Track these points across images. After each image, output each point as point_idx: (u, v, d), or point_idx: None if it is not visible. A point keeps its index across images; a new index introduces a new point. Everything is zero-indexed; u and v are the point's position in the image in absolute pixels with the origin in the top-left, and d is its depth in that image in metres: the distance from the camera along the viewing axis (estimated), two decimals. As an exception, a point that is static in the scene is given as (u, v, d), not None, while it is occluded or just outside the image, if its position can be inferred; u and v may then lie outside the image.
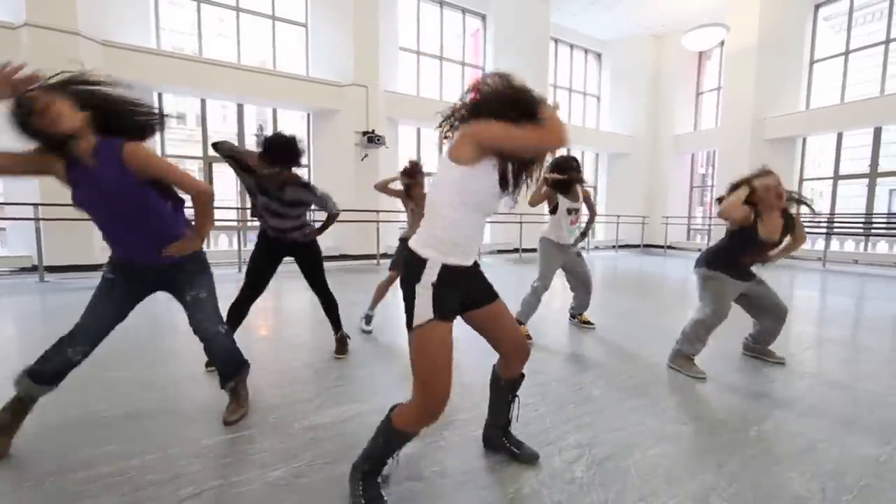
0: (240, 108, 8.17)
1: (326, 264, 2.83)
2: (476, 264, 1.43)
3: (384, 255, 8.09)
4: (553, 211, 3.32)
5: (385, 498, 1.36)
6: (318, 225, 2.77)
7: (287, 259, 2.69)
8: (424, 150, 10.06)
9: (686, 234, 12.63)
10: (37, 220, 5.31)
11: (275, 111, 8.41)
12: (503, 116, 1.21)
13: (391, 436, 1.33)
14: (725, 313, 2.58)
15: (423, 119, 9.47)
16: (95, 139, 1.53)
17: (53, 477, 1.49)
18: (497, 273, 7.02)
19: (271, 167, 2.31)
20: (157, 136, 7.36)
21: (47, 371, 1.62)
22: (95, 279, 1.77)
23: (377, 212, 8.03)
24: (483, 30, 10.66)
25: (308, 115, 8.57)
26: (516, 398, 1.66)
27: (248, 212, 8.34)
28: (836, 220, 9.86)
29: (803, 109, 9.99)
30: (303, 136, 8.80)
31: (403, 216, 9.70)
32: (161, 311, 3.66)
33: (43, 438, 1.73)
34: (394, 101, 8.82)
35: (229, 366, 1.93)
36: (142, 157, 1.56)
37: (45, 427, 1.81)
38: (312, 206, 2.70)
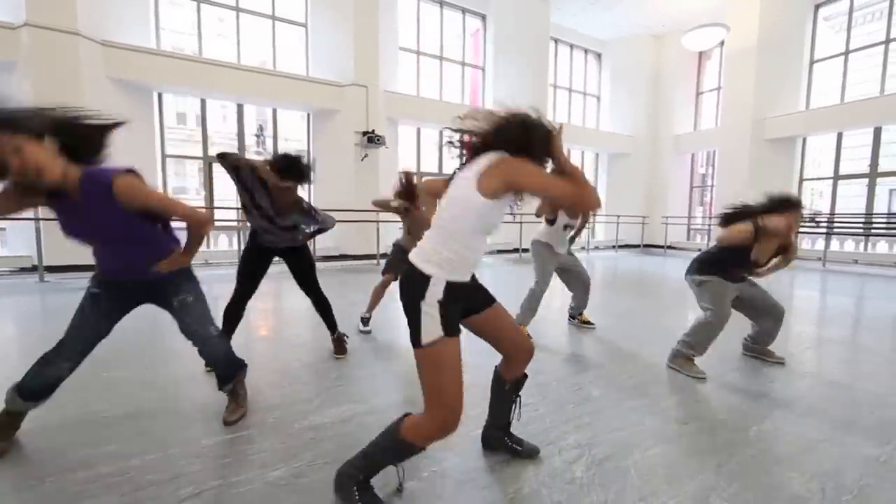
0: (240, 108, 8.17)
1: (327, 264, 2.84)
2: (473, 276, 1.44)
3: (384, 255, 8.08)
4: (551, 222, 3.32)
5: (382, 500, 1.36)
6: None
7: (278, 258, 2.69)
8: (424, 150, 10.06)
9: (686, 234, 12.62)
10: (37, 220, 5.31)
11: (275, 111, 8.41)
12: (523, 151, 1.25)
13: (399, 447, 1.30)
14: (727, 314, 2.59)
15: (423, 119, 9.47)
16: (78, 171, 1.45)
17: (53, 477, 1.49)
18: (497, 273, 7.02)
19: (285, 181, 2.32)
20: (158, 137, 7.32)
21: (35, 388, 1.62)
22: (95, 279, 1.77)
23: (377, 212, 8.03)
24: (483, 30, 10.66)
25: (308, 114, 8.57)
26: (518, 398, 1.66)
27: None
28: (835, 220, 9.86)
29: (803, 109, 9.99)
30: (302, 136, 8.82)
31: (403, 216, 9.47)
32: (161, 311, 3.64)
33: (43, 438, 1.73)
34: (394, 101, 8.82)
35: (226, 368, 1.92)
36: (134, 192, 1.48)
37: (45, 427, 1.81)
38: None
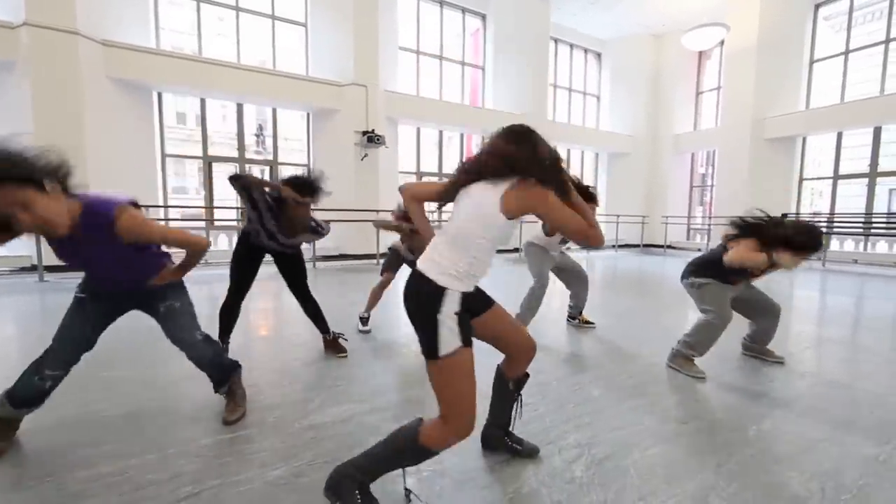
0: (239, 107, 8.17)
1: (327, 264, 2.84)
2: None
3: (384, 255, 8.09)
4: (551, 233, 3.33)
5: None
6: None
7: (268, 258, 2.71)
8: (424, 149, 10.06)
9: (686, 234, 12.62)
10: (36, 219, 5.30)
11: (274, 111, 8.41)
12: (547, 185, 1.29)
13: (418, 452, 1.29)
14: (730, 315, 2.58)
15: (423, 119, 9.47)
16: (78, 205, 1.42)
17: (53, 476, 1.49)
18: (497, 273, 7.02)
19: (303, 197, 2.39)
20: (158, 137, 7.31)
21: (24, 396, 1.62)
22: (95, 279, 1.76)
23: (377, 211, 8.03)
24: (483, 29, 10.66)
25: (308, 114, 8.57)
26: (520, 397, 1.67)
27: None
28: (835, 219, 9.86)
29: (803, 109, 9.99)
30: (302, 135, 8.82)
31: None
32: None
33: (42, 438, 1.73)
34: (393, 100, 8.82)
35: (218, 371, 1.92)
36: (136, 229, 1.48)
37: (45, 426, 1.81)
38: None
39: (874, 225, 9.43)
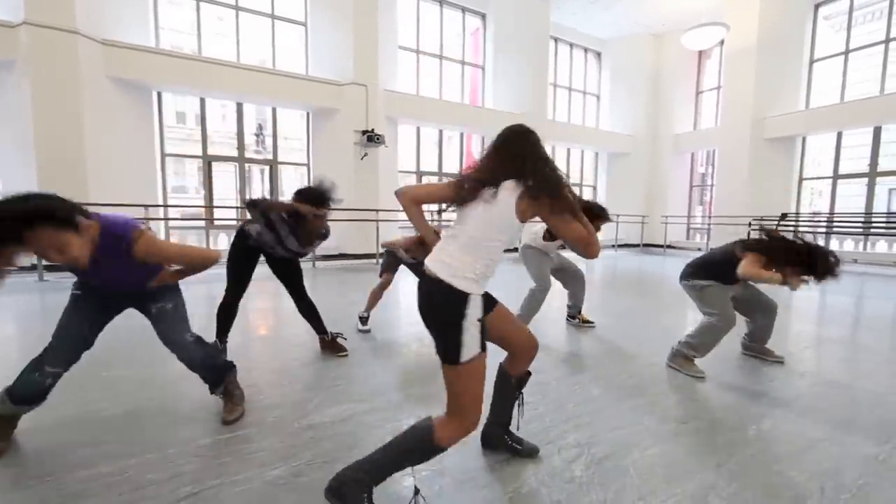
0: (239, 107, 8.16)
1: (326, 263, 2.84)
2: None
3: (383, 255, 8.09)
4: (552, 238, 3.35)
5: None
6: None
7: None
8: (424, 149, 10.05)
9: (686, 234, 12.62)
10: (36, 219, 5.30)
11: (274, 110, 8.41)
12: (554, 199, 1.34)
13: (430, 450, 1.31)
14: (734, 317, 2.58)
15: (423, 118, 9.46)
16: (96, 226, 1.46)
17: (52, 476, 1.49)
18: (497, 272, 7.02)
19: (319, 209, 2.46)
20: (157, 136, 7.30)
21: (24, 394, 1.62)
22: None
23: (377, 211, 8.03)
24: (483, 29, 10.65)
25: (308, 114, 8.56)
26: (521, 395, 1.67)
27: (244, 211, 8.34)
28: (835, 219, 9.86)
29: (803, 109, 9.99)
30: (302, 135, 8.81)
31: (402, 216, 9.59)
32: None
33: (42, 437, 1.73)
34: (393, 100, 8.81)
35: (210, 372, 1.92)
36: (154, 251, 1.55)
37: (44, 426, 1.81)
38: None
39: (874, 224, 9.42)
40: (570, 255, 3.66)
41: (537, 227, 3.45)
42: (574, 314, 3.67)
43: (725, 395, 2.29)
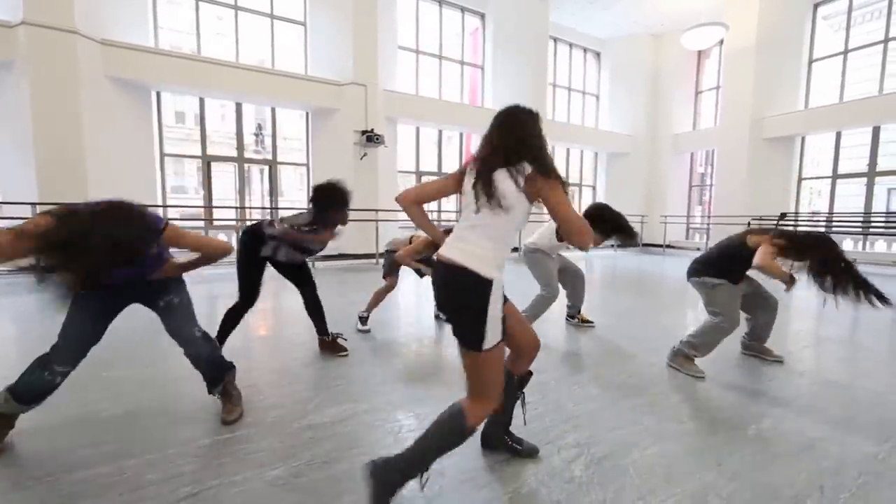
0: (238, 107, 8.16)
1: (326, 263, 2.84)
2: None
3: (383, 255, 8.08)
4: (561, 238, 3.35)
5: None
6: None
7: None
8: (423, 149, 10.05)
9: (685, 234, 12.63)
10: (35, 219, 5.29)
11: (273, 110, 8.40)
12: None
13: (461, 434, 1.36)
14: (738, 319, 2.58)
15: (422, 118, 9.46)
16: None
17: (52, 476, 1.48)
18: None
19: (343, 212, 2.59)
20: (156, 136, 7.25)
21: (29, 392, 1.62)
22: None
23: (376, 211, 8.03)
24: (482, 28, 10.64)
25: (307, 113, 8.56)
26: (522, 395, 1.67)
27: (246, 211, 8.34)
28: (834, 219, 9.87)
29: (802, 108, 9.99)
30: (301, 135, 8.81)
31: (402, 216, 9.57)
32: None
33: (41, 438, 1.73)
34: (393, 100, 8.81)
35: (214, 369, 1.92)
36: (177, 239, 1.64)
37: (44, 426, 1.80)
38: None
39: (873, 224, 9.43)
40: (569, 255, 3.66)
41: (543, 227, 3.45)
42: (573, 314, 3.67)
43: (725, 395, 2.29)
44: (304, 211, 2.63)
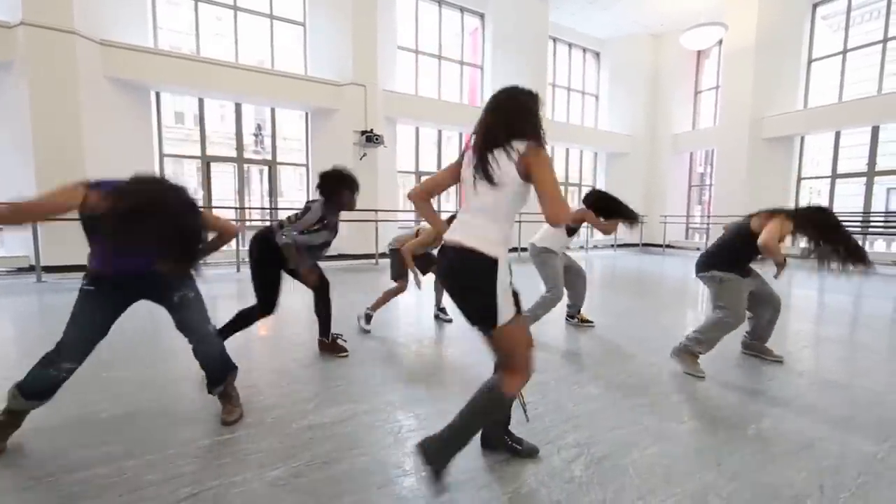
0: (238, 107, 8.16)
1: (326, 264, 2.84)
2: None
3: (382, 255, 8.08)
4: (571, 231, 3.38)
5: None
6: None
7: None
8: (423, 149, 10.05)
9: (684, 233, 12.64)
10: (34, 219, 5.28)
11: (273, 110, 8.40)
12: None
13: (501, 405, 1.46)
14: (745, 315, 2.59)
15: (422, 118, 9.46)
16: None
17: (51, 477, 1.48)
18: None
19: (351, 195, 2.71)
20: (156, 137, 7.23)
21: (36, 388, 1.62)
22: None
23: (376, 211, 8.03)
24: (482, 28, 10.64)
25: (306, 114, 8.56)
26: (521, 395, 1.67)
27: (246, 212, 8.29)
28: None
29: (801, 108, 10.00)
30: (301, 135, 8.80)
31: (402, 216, 9.57)
32: (159, 311, 3.63)
33: (41, 438, 1.73)
34: (392, 100, 8.81)
35: (220, 367, 1.92)
36: (204, 221, 1.69)
37: (44, 427, 1.80)
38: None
39: (872, 224, 9.45)
40: (571, 255, 3.67)
41: (555, 232, 3.43)
42: (573, 314, 3.68)
43: (725, 395, 2.30)
44: (310, 208, 2.58)
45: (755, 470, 1.60)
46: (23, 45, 5.66)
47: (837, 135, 9.71)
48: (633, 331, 3.58)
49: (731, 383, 2.45)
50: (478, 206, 1.39)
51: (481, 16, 10.53)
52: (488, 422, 1.46)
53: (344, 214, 2.86)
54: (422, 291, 3.48)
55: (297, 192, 10.49)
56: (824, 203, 10.50)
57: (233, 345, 2.70)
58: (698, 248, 11.37)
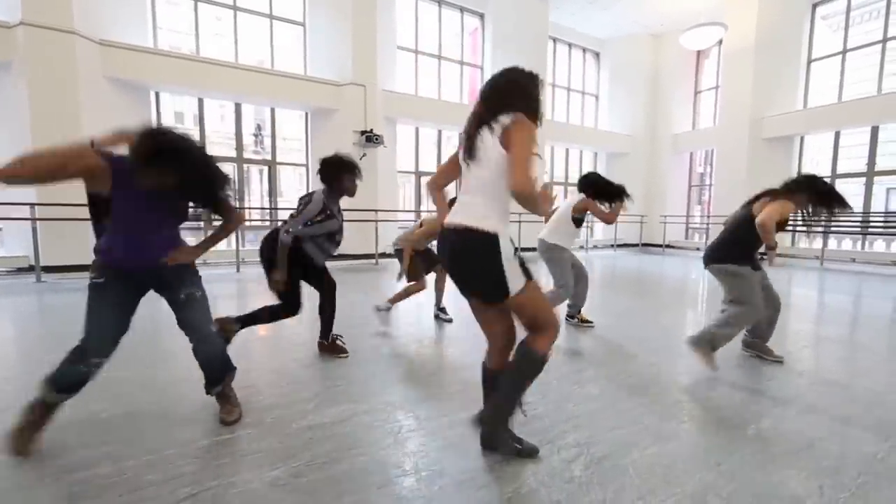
0: (237, 107, 8.15)
1: (325, 264, 2.83)
2: None
3: (382, 255, 8.08)
4: (578, 223, 3.40)
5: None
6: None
7: None
8: (423, 149, 10.05)
9: (684, 233, 12.64)
10: (33, 220, 5.29)
11: (273, 110, 8.40)
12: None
13: (538, 366, 1.50)
14: (762, 305, 2.59)
15: (422, 118, 9.45)
16: None
17: (51, 477, 1.48)
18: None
19: (352, 179, 2.72)
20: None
21: (68, 383, 1.64)
22: (92, 279, 1.75)
23: (376, 211, 8.03)
24: (481, 29, 10.64)
25: (306, 114, 8.55)
26: None
27: (246, 212, 8.32)
28: (833, 218, 9.85)
29: (801, 108, 10.00)
30: (301, 135, 8.80)
31: (401, 216, 9.57)
32: (160, 311, 3.63)
33: (41, 438, 1.72)
34: (392, 100, 8.81)
35: (220, 367, 1.92)
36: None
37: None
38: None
39: (871, 224, 9.45)
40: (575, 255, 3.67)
41: (555, 216, 3.47)
42: (573, 314, 3.67)
43: (725, 395, 2.30)
44: (311, 199, 2.58)
45: (755, 470, 1.60)
46: (22, 45, 5.66)
47: (837, 135, 9.71)
48: (633, 331, 3.58)
49: (730, 383, 2.45)
50: (472, 186, 1.41)
51: (481, 16, 10.53)
52: (530, 385, 1.51)
53: (344, 215, 2.85)
54: (420, 292, 3.47)
55: (296, 193, 10.48)
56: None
57: (232, 345, 2.71)
58: (698, 248, 11.40)
